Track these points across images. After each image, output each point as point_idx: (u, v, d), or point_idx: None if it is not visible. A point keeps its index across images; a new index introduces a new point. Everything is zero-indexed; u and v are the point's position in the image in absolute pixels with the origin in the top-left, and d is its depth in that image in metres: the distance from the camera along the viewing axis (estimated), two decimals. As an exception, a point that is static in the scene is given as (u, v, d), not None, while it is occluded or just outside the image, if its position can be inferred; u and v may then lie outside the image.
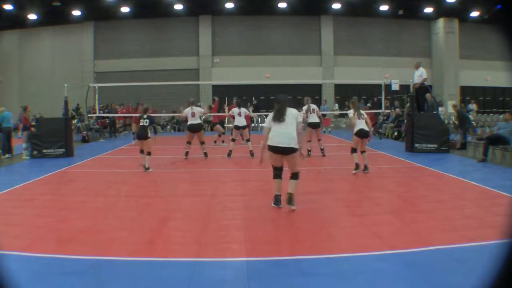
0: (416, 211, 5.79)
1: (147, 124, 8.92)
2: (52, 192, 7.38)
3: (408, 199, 6.59)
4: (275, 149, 5.49)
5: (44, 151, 11.57)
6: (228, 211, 5.67)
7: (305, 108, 10.76)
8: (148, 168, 8.82)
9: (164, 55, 24.78)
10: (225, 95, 24.02)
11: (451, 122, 15.25)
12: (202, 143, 10.71)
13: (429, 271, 3.64)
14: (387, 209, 5.97)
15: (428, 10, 24.38)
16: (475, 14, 24.62)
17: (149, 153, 8.88)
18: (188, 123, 10.83)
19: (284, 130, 5.45)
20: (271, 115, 5.68)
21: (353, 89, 24.92)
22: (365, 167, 8.42)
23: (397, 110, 17.38)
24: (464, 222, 5.10)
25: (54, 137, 11.69)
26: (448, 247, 4.17)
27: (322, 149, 10.95)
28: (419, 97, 13.52)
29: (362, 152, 8.48)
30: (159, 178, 8.50)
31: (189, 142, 10.74)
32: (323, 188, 7.42)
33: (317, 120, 10.77)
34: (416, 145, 11.89)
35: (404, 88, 15.39)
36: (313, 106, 10.90)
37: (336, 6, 23.92)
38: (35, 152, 11.56)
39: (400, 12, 24.06)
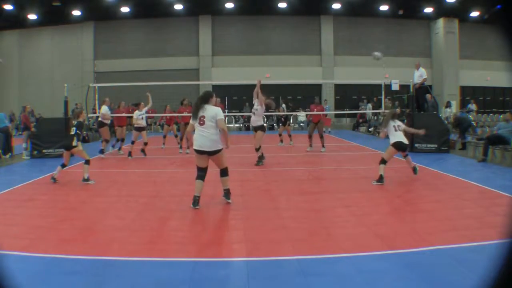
0: (416, 211, 5.79)
1: (73, 133, 7.82)
2: (52, 192, 7.36)
3: (408, 199, 6.58)
4: (198, 152, 5.69)
5: (44, 151, 11.56)
6: (228, 211, 5.67)
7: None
8: (87, 179, 7.75)
9: (164, 55, 24.77)
10: (225, 95, 24.04)
11: (451, 121, 15.25)
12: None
13: (429, 271, 3.64)
14: (387, 209, 5.98)
15: (428, 10, 24.37)
16: (475, 14, 24.61)
17: (87, 162, 7.86)
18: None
19: (204, 133, 5.55)
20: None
21: (353, 89, 24.98)
22: (415, 169, 7.91)
23: (397, 110, 17.37)
24: (464, 222, 5.10)
25: (54, 137, 11.63)
26: (448, 247, 4.17)
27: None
28: (419, 97, 13.54)
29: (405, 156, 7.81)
30: (159, 178, 8.50)
31: (107, 140, 12.07)
32: (323, 188, 7.42)
33: None
34: (416, 145, 11.90)
35: (404, 88, 15.40)
36: None
37: (336, 6, 23.92)
38: (35, 152, 11.56)
39: (400, 12, 24.06)
